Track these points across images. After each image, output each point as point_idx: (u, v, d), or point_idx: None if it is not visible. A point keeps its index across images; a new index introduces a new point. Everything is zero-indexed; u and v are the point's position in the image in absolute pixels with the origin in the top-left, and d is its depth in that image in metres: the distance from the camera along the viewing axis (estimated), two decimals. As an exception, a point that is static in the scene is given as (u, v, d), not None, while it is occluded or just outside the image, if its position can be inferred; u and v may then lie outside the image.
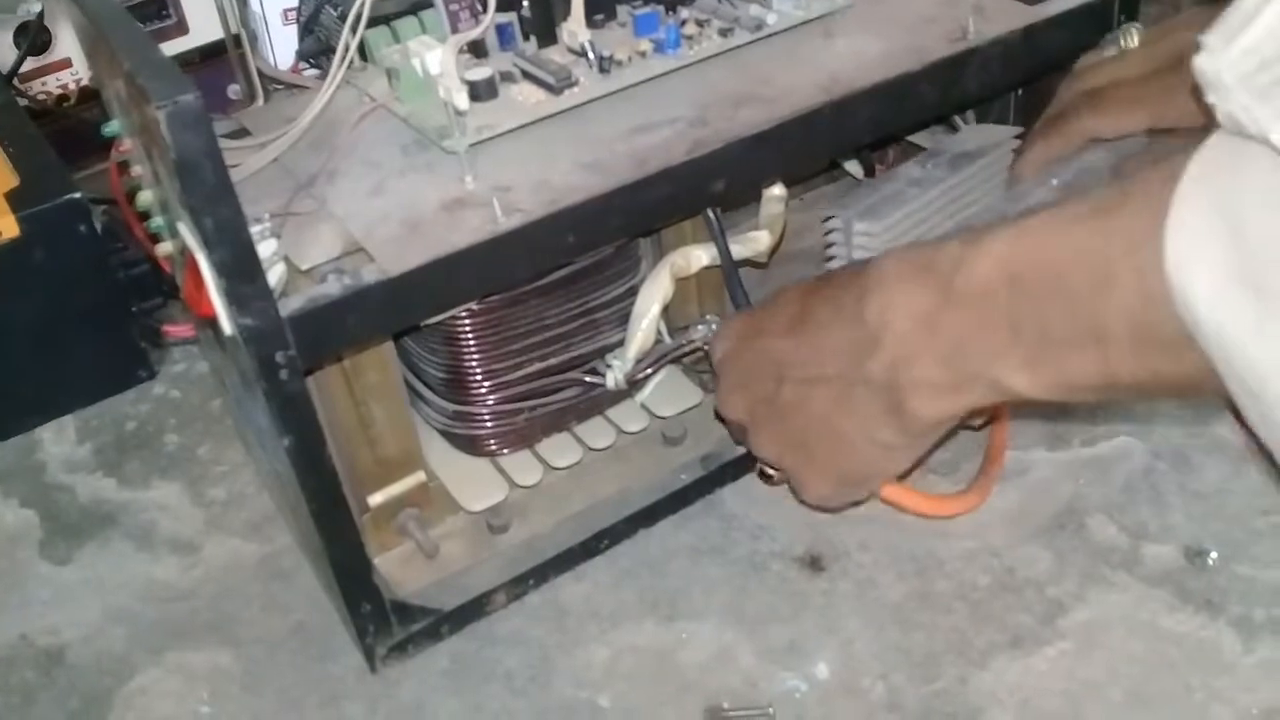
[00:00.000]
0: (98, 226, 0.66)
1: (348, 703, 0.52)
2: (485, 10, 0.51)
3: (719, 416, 0.56)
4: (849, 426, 0.48)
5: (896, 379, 0.45)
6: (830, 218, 0.58)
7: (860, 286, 0.46)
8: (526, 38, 0.55)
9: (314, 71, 0.59)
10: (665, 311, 0.57)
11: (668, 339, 0.59)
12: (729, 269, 0.56)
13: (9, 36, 0.81)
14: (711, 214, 0.54)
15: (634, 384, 0.58)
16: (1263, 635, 0.50)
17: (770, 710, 0.49)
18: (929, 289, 0.43)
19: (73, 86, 0.85)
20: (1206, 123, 0.54)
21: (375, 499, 0.55)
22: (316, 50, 0.58)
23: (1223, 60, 0.31)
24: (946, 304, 0.42)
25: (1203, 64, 0.31)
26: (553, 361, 0.57)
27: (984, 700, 0.49)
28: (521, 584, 0.55)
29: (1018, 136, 0.61)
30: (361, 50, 0.54)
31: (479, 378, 0.56)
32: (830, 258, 0.59)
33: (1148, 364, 0.37)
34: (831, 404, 0.48)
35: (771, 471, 0.55)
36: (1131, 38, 0.58)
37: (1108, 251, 0.36)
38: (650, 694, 0.51)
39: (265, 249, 0.42)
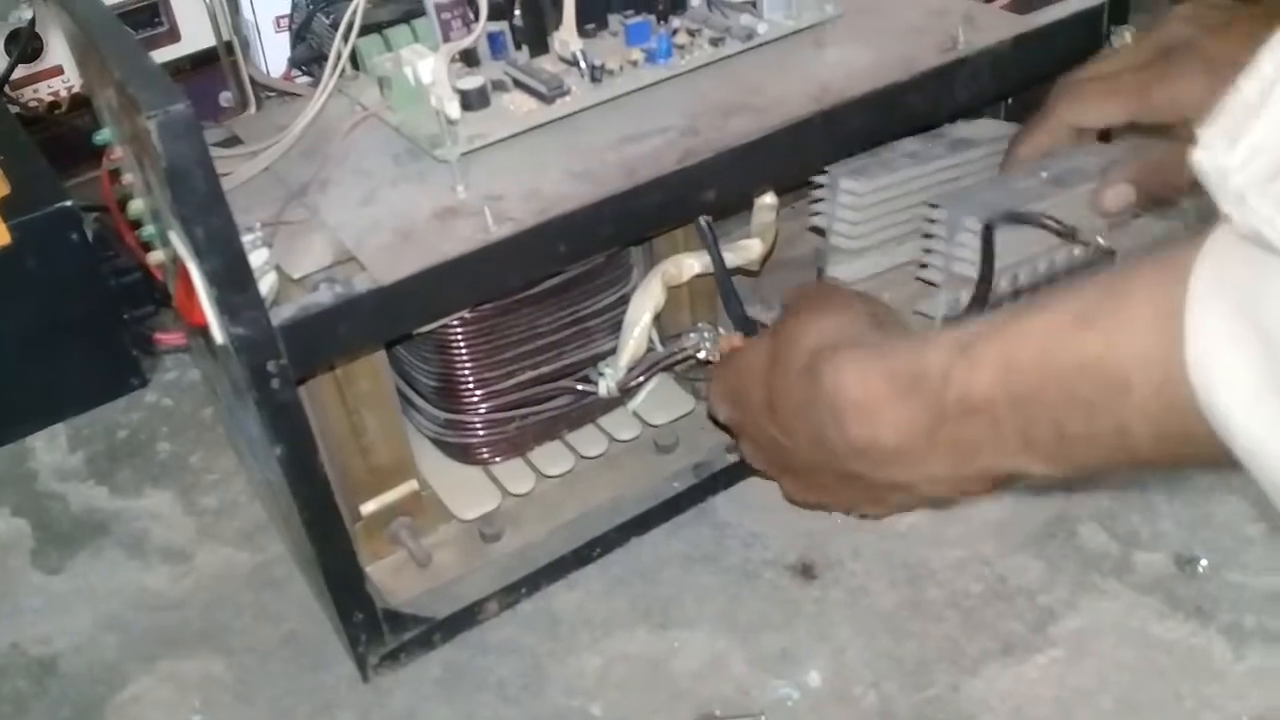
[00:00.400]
0: (89, 234, 0.66)
1: (340, 711, 0.52)
2: (477, 19, 0.51)
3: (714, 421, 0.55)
4: (855, 496, 0.49)
5: (895, 480, 0.44)
6: (820, 173, 0.57)
7: (835, 410, 0.43)
8: (518, 47, 0.55)
9: (306, 79, 0.59)
10: (657, 320, 0.57)
11: (660, 347, 0.59)
12: (723, 278, 0.56)
13: (0, 43, 0.81)
14: (705, 223, 0.54)
15: (626, 392, 0.58)
16: (1253, 642, 0.50)
17: (762, 718, 0.49)
18: (919, 408, 0.41)
19: (64, 94, 0.84)
20: (1181, 122, 0.55)
21: (367, 507, 0.54)
22: (309, 58, 0.58)
23: (1228, 160, 0.27)
24: (943, 421, 0.40)
25: (1204, 162, 0.28)
26: (545, 370, 0.57)
27: (975, 708, 0.49)
28: (514, 592, 0.55)
29: (1000, 138, 0.61)
30: (354, 59, 0.54)
31: (471, 386, 0.56)
32: (816, 213, 0.58)
33: (1172, 451, 0.35)
34: (834, 480, 0.47)
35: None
36: (1124, 38, 0.59)
37: (1117, 361, 0.34)
38: (643, 702, 0.51)
39: (257, 258, 0.42)
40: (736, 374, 0.52)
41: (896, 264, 0.60)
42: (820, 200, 0.58)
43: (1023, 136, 0.58)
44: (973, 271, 0.55)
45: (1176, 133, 0.57)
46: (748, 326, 0.57)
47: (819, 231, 0.60)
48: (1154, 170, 0.55)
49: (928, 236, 0.57)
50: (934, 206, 0.56)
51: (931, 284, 0.57)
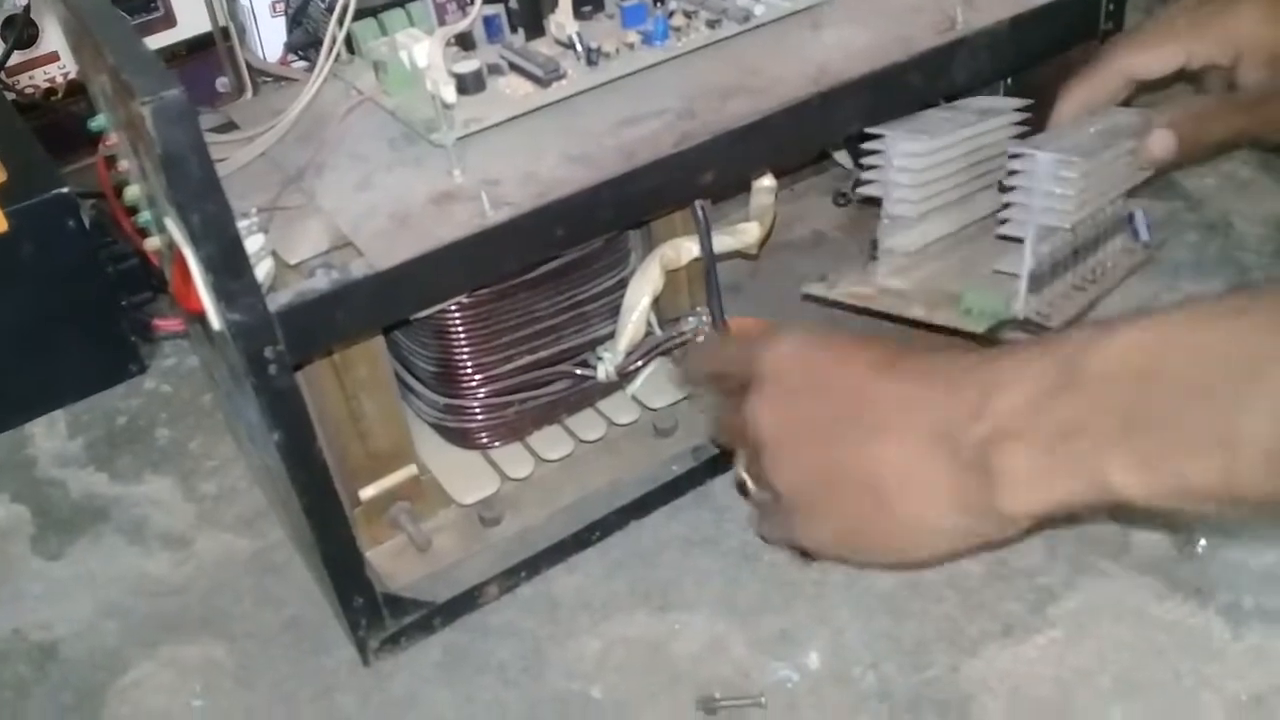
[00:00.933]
0: (86, 221, 0.66)
1: (341, 695, 0.52)
2: (472, 2, 0.51)
3: (717, 420, 0.52)
4: (903, 490, 0.42)
5: (988, 459, 0.40)
6: (873, 138, 0.56)
7: (969, 357, 0.42)
8: (514, 30, 0.55)
9: (303, 63, 0.58)
10: (655, 303, 0.57)
11: (658, 331, 0.59)
12: (710, 270, 0.55)
13: (-5, 31, 0.80)
14: (699, 210, 0.54)
15: (624, 376, 0.58)
16: (1251, 622, 0.50)
17: (762, 700, 0.50)
18: (1048, 366, 0.39)
19: (60, 80, 0.84)
20: (1235, 63, 0.54)
21: (366, 492, 0.55)
22: (305, 42, 0.58)
23: None
24: (1064, 386, 0.38)
25: None
26: (543, 354, 0.57)
27: (974, 688, 0.49)
28: (513, 576, 0.56)
29: (1022, 109, 0.61)
30: (349, 43, 0.54)
31: (469, 371, 0.56)
32: (869, 181, 0.57)
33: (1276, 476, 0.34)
34: (895, 458, 0.42)
35: (752, 486, 0.50)
36: None
37: (1256, 350, 0.34)
38: (642, 685, 0.51)
39: (253, 244, 0.42)
40: (831, 339, 0.47)
41: (945, 233, 0.59)
42: (874, 169, 0.57)
43: (1072, 90, 0.58)
44: (1063, 221, 0.54)
45: (1210, 84, 0.57)
46: (720, 326, 0.56)
47: (873, 201, 0.59)
48: (1193, 121, 0.56)
49: (1008, 189, 0.55)
50: (1018, 156, 0.55)
51: (1015, 239, 0.56)
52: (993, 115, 0.59)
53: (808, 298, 0.60)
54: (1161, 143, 0.56)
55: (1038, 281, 0.56)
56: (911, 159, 0.55)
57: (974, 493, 0.40)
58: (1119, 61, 0.57)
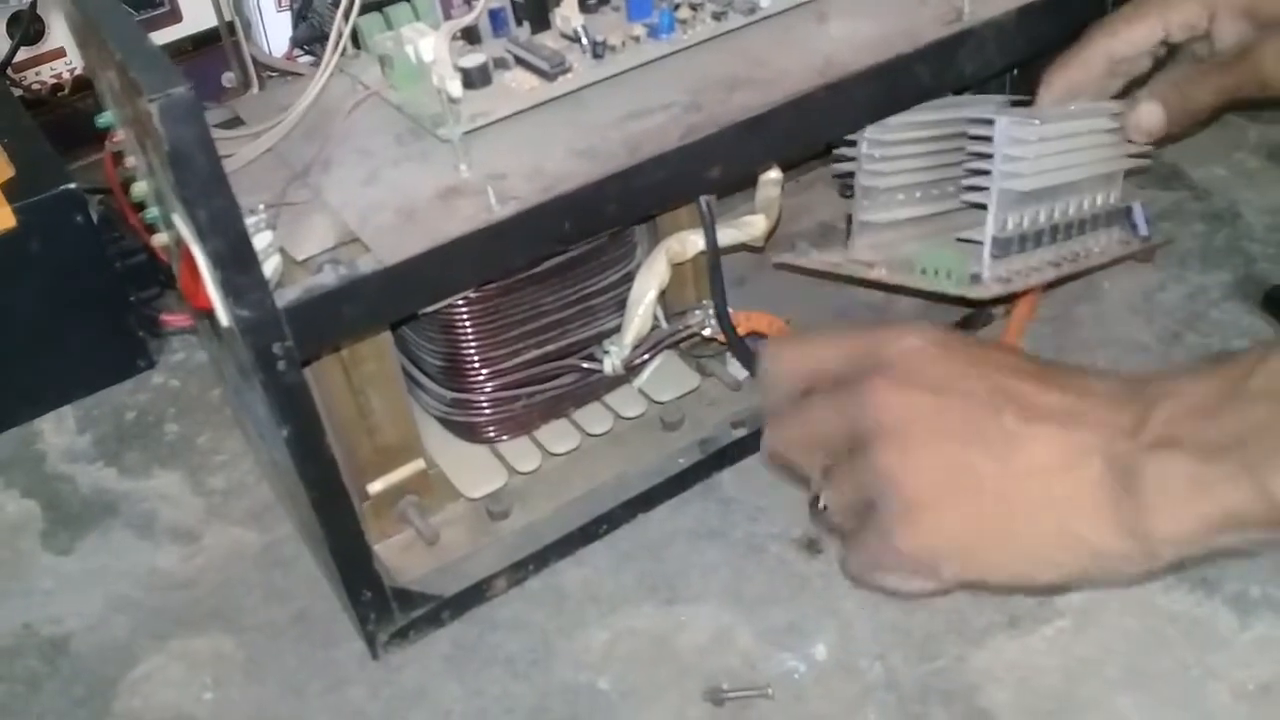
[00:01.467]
0: (94, 217, 0.66)
1: (351, 688, 0.53)
2: (478, -4, 0.51)
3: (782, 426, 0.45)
4: (1042, 502, 0.39)
5: (1142, 469, 0.37)
6: (979, 121, 0.56)
7: (1129, 376, 0.40)
8: (519, 23, 0.55)
9: (309, 59, 0.59)
10: (662, 297, 0.57)
11: (664, 324, 0.59)
12: (714, 266, 0.56)
13: (1, 26, 0.81)
14: (704, 204, 0.54)
15: (631, 369, 0.59)
16: (1258, 612, 0.51)
17: (769, 691, 0.50)
18: (1217, 381, 0.38)
19: (66, 76, 0.84)
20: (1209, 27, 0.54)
21: (375, 487, 0.55)
22: (311, 37, 0.58)
23: None
24: (1233, 397, 0.37)
25: None
26: (550, 348, 0.57)
27: (981, 679, 0.49)
28: (521, 569, 0.56)
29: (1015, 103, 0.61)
30: (355, 37, 0.54)
31: (477, 365, 0.56)
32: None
33: None
34: (1039, 467, 0.39)
35: (828, 502, 0.44)
36: None
37: None
38: (650, 676, 0.51)
39: (260, 240, 0.42)
40: (947, 358, 0.42)
41: (921, 213, 0.60)
42: (980, 158, 0.57)
43: (1054, 76, 0.58)
44: (1022, 185, 0.55)
45: (1193, 52, 0.57)
46: (725, 322, 0.57)
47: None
48: (1178, 89, 0.56)
49: (978, 156, 0.56)
50: (977, 122, 0.56)
51: (979, 206, 0.57)
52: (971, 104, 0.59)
53: (779, 266, 0.61)
54: (1149, 115, 0.56)
55: (1002, 247, 0.56)
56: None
57: (1122, 510, 0.38)
58: (1098, 42, 0.57)
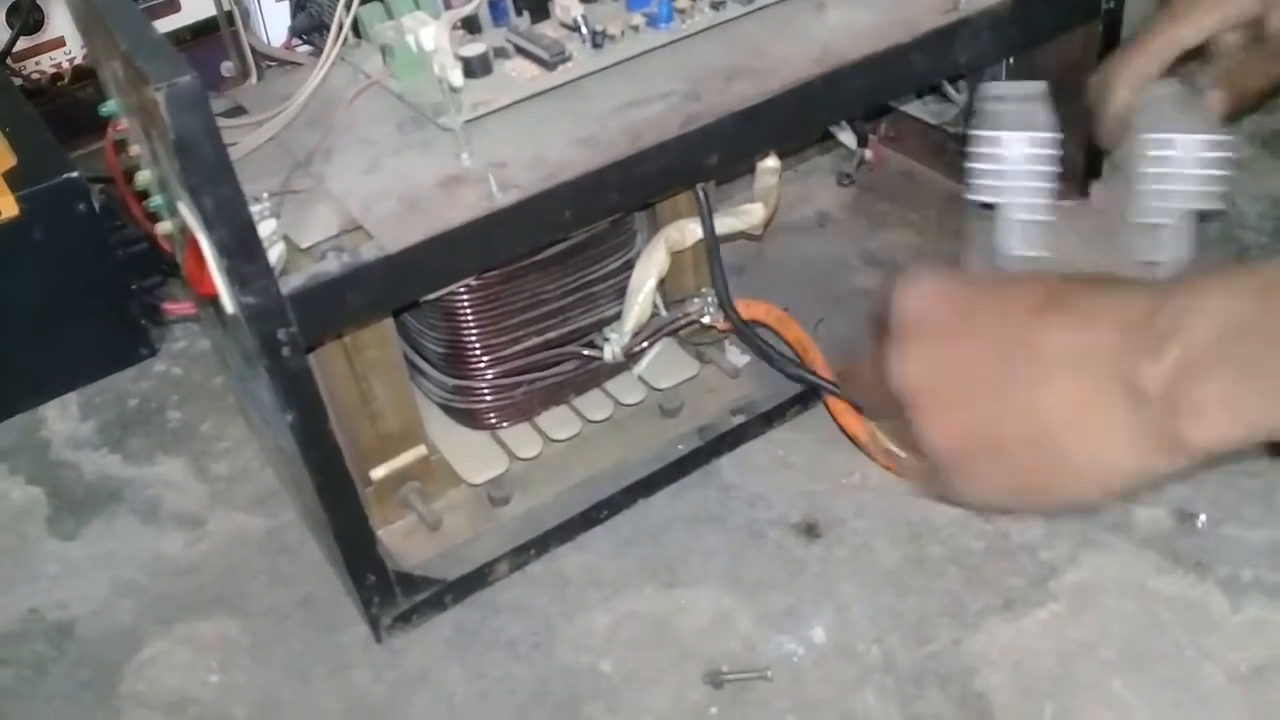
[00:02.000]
0: (96, 205, 0.66)
1: (355, 671, 0.53)
2: (478, -14, 0.51)
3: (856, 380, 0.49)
4: (1077, 437, 0.39)
5: (1174, 397, 0.37)
6: (1158, 138, 0.55)
7: (1136, 293, 0.39)
8: (519, 13, 0.55)
9: (307, 48, 0.59)
10: (661, 284, 0.58)
11: (664, 312, 0.59)
12: (714, 252, 0.56)
13: (1, 16, 0.81)
14: (701, 192, 0.54)
15: (631, 357, 0.59)
16: (1250, 594, 0.51)
17: (768, 673, 0.50)
18: (1246, 294, 0.36)
19: (66, 65, 0.85)
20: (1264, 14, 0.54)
21: (377, 473, 0.55)
22: (309, 26, 0.58)
23: None
24: (1267, 309, 0.36)
25: None
26: (551, 335, 0.58)
27: (977, 661, 0.50)
28: (523, 554, 0.56)
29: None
30: (355, 27, 0.54)
31: (478, 352, 0.56)
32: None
33: None
34: (1065, 405, 0.39)
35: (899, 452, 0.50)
36: None
37: None
38: (651, 659, 0.52)
39: (265, 228, 0.43)
40: (992, 284, 0.43)
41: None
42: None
43: (1129, 66, 0.57)
44: (1214, 203, 0.55)
45: (1228, 44, 0.58)
46: (730, 307, 0.57)
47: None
48: (1232, 77, 0.57)
49: (1144, 175, 0.56)
50: (1157, 141, 0.55)
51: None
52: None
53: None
54: (1217, 103, 0.57)
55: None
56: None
57: (1159, 430, 0.37)
58: (1167, 32, 0.57)
